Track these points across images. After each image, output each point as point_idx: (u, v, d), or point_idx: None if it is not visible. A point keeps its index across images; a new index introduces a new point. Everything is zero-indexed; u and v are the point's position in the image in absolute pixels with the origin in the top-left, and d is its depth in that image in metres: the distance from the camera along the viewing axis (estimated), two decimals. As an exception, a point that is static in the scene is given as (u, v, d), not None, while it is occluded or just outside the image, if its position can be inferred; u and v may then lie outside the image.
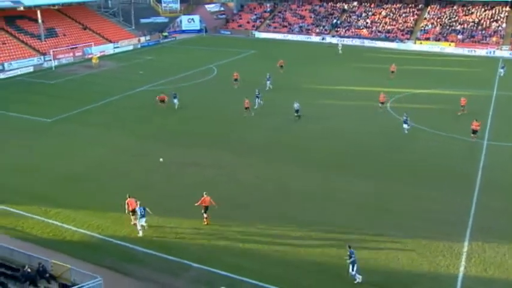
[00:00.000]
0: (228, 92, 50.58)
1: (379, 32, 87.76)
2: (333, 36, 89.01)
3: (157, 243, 23.34)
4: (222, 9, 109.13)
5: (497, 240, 23.42)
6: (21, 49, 67.84)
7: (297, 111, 41.38)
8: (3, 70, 61.57)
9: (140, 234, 23.97)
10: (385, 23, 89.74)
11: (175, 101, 44.31)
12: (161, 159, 32.74)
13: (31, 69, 63.92)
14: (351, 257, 20.53)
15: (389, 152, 34.83)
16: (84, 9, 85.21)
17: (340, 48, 76.50)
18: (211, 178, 30.32)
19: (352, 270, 20.49)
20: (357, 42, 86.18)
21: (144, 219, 23.97)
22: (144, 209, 24.03)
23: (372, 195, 28.27)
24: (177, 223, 25.11)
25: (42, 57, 67.56)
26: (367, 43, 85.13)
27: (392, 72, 58.23)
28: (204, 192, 25.08)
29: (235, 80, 52.67)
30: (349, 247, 20.88)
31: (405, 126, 37.83)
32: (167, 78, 57.51)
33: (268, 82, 51.68)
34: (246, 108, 42.19)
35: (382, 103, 44.45)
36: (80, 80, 58.58)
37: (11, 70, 61.88)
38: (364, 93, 51.29)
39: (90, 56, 68.72)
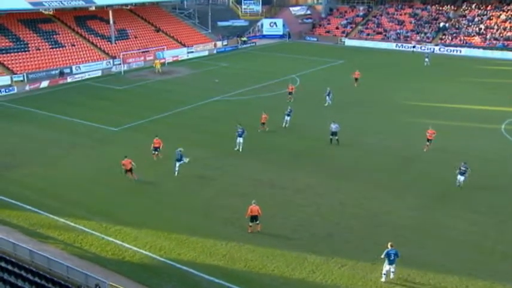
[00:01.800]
0: (310, 108, 50.44)
1: (496, 39, 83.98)
2: (437, 44, 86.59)
3: (224, 270, 23.43)
4: (309, 12, 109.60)
5: None
6: (91, 51, 72.11)
7: (334, 133, 39.39)
8: (70, 73, 65.63)
9: (176, 174, 33.16)
10: (504, 29, 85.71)
11: (240, 140, 38.05)
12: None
13: (99, 73, 67.60)
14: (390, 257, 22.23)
15: (505, 182, 33.00)
16: (158, 9, 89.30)
17: (427, 59, 73.56)
18: (288, 201, 30.16)
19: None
20: (466, 52, 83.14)
21: (178, 163, 33.14)
22: (181, 155, 33.16)
23: (483, 234, 26.73)
24: (248, 249, 25.13)
25: (111, 60, 71.35)
26: (480, 53, 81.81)
27: None
28: (253, 201, 26.33)
29: (290, 93, 52.49)
30: (391, 246, 22.29)
31: (460, 178, 31.79)
32: (244, 88, 58.38)
33: (328, 98, 50.99)
34: (263, 123, 42.19)
35: (429, 140, 38.61)
36: (150, 86, 60.99)
37: (78, 73, 65.83)
38: (470, 111, 49.27)
39: (161, 61, 71.22)
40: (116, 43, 75.45)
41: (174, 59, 76.94)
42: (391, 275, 22.56)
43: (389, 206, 29.79)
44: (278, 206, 29.24)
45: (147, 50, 76.18)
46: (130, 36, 79.02)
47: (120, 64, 69.95)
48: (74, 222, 27.63)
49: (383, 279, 22.49)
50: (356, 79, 60.04)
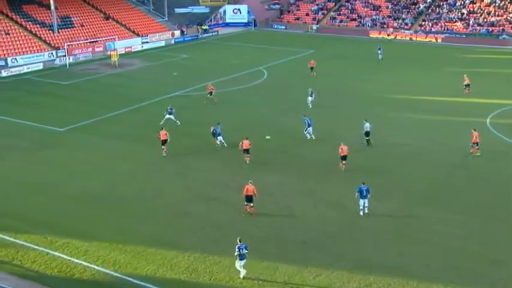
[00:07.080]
0: (276, 103, 50.37)
1: (479, 25, 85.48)
2: (416, 31, 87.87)
3: (187, 285, 23.17)
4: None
5: None
6: (29, 41, 70.48)
7: (367, 133, 39.19)
8: (6, 66, 64.05)
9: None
10: (488, 14, 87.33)
11: (220, 139, 38.50)
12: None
13: (40, 66, 66.27)
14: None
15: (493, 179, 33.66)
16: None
17: (380, 51, 71.43)
18: (258, 204, 29.79)
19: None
20: (447, 39, 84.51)
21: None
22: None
23: (473, 238, 27.04)
24: (213, 260, 24.89)
25: (54, 52, 70.03)
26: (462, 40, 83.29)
27: None
28: (249, 181, 28.79)
29: (210, 93, 50.42)
30: (240, 241, 23.49)
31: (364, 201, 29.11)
32: (205, 82, 57.88)
33: (310, 98, 48.51)
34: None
35: (475, 143, 37.37)
36: (101, 81, 60.16)
37: (15, 67, 64.39)
38: (452, 104, 50.22)
39: (117, 52, 69.87)
40: (59, 32, 73.99)
41: (127, 50, 75.96)
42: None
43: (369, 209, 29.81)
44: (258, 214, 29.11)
45: (95, 40, 74.95)
46: (75, 25, 77.54)
47: (64, 56, 68.63)
48: (13, 236, 26.78)
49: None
50: (312, 68, 60.71)
